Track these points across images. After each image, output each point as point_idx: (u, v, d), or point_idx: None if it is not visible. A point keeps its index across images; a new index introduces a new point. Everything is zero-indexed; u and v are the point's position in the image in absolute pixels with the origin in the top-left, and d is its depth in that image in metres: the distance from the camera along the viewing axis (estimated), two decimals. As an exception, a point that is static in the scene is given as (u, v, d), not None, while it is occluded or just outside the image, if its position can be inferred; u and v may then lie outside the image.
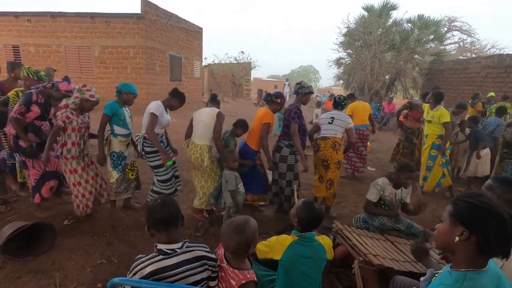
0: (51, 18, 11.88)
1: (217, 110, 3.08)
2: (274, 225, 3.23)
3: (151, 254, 1.41)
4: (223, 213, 3.05)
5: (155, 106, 2.94)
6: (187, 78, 15.32)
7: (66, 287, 2.16)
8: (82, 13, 11.70)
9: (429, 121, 4.37)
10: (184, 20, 14.42)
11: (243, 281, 1.41)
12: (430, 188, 4.48)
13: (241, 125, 3.34)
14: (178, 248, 1.41)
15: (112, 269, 2.38)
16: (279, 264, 1.78)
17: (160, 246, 1.41)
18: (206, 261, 1.43)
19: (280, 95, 3.37)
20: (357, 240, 2.26)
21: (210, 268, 1.45)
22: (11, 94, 3.25)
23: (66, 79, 3.04)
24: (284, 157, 3.28)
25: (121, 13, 11.52)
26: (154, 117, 2.89)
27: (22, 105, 2.84)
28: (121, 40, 11.61)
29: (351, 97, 5.70)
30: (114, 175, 3.10)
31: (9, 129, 2.97)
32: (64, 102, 2.86)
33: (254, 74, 30.76)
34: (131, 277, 1.37)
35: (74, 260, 2.45)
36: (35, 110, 2.91)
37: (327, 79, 29.58)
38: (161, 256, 1.38)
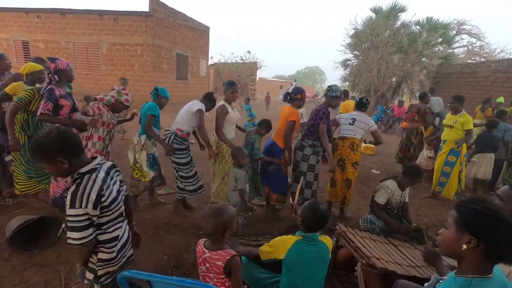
0: (61, 15, 12.03)
1: (221, 102, 3.23)
2: (278, 226, 3.23)
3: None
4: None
5: (200, 105, 3.14)
6: (193, 77, 15.39)
7: (71, 280, 2.19)
8: (91, 10, 11.84)
9: (451, 127, 4.13)
10: (191, 18, 14.49)
11: (228, 257, 1.52)
12: (450, 196, 4.26)
13: (265, 125, 3.45)
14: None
15: (116, 265, 2.40)
16: (283, 264, 1.78)
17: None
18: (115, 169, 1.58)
19: (300, 91, 3.37)
20: (361, 243, 2.25)
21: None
22: (24, 93, 2.86)
23: (53, 60, 2.78)
24: (306, 156, 3.25)
25: (129, 11, 11.64)
26: (202, 114, 3.09)
27: (49, 101, 2.63)
28: (129, 38, 11.71)
29: (346, 94, 6.65)
30: (151, 174, 3.22)
31: None
32: (101, 95, 2.92)
33: (260, 74, 30.82)
34: None
35: (78, 255, 2.48)
36: (66, 103, 2.76)
37: (333, 80, 29.55)
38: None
